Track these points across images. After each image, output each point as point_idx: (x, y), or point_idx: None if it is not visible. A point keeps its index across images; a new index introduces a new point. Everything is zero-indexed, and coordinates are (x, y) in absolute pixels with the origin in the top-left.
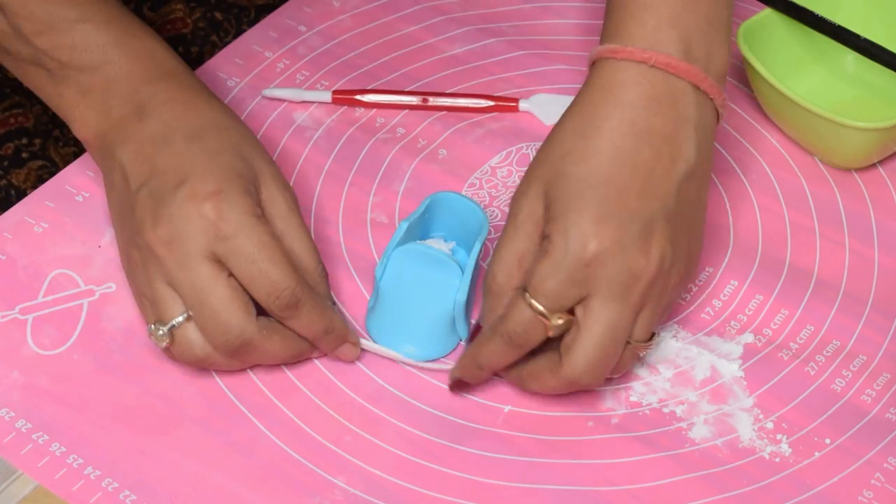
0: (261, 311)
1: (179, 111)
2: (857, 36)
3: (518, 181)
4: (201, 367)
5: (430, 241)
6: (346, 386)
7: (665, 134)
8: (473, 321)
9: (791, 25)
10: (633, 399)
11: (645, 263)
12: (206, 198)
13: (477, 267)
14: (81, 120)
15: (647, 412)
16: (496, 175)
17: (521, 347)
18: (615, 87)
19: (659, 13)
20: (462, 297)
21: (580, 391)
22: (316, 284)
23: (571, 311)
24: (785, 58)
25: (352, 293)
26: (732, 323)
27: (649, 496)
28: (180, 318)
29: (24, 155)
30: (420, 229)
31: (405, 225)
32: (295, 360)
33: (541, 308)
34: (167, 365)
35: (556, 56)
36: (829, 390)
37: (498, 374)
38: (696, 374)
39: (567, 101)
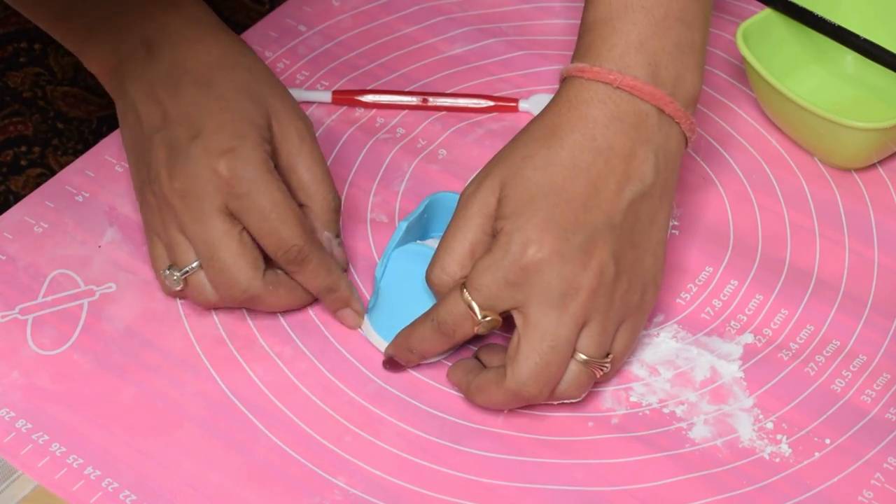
0: (270, 262)
1: (188, 49)
2: (857, 36)
3: None
4: (212, 308)
5: (430, 241)
6: (346, 386)
7: (624, 153)
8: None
9: (791, 25)
10: (633, 399)
11: (583, 274)
12: (219, 155)
13: None
14: (92, 55)
15: (647, 412)
16: None
17: (450, 337)
18: (581, 103)
19: (628, 37)
20: None
21: (528, 406)
22: (324, 214)
23: (509, 316)
24: (785, 58)
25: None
26: (732, 323)
27: (649, 496)
28: (194, 265)
29: (23, 162)
30: (420, 229)
31: (404, 225)
32: (303, 307)
33: (472, 302)
34: (167, 365)
35: (556, 56)
36: (829, 390)
37: (452, 381)
38: (695, 375)
39: None
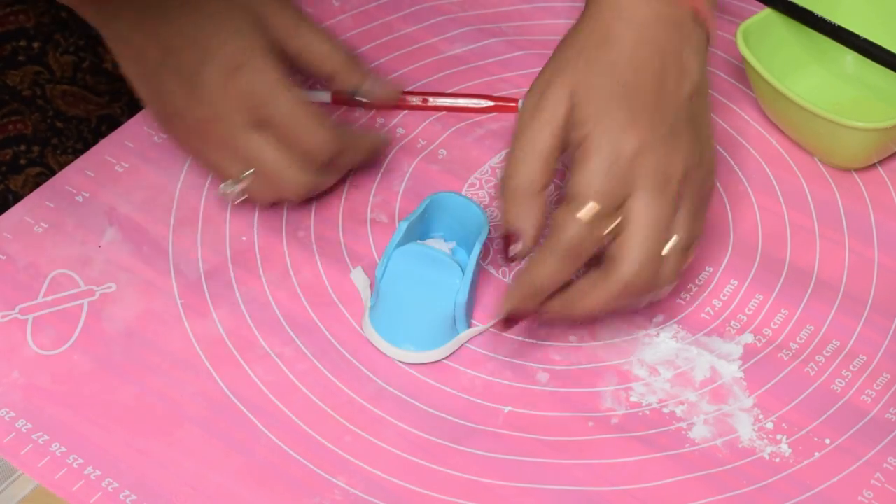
0: None
1: None
2: (857, 36)
3: None
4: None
5: (430, 241)
6: (346, 386)
7: (674, 52)
8: (474, 322)
9: (791, 25)
10: (633, 399)
11: (675, 160)
12: (232, 73)
13: (477, 267)
14: None
15: (647, 412)
16: (496, 175)
17: (577, 259)
18: (624, 9)
19: None
20: (462, 297)
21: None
22: (354, 68)
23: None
24: (785, 58)
25: (352, 293)
26: (732, 323)
27: (649, 496)
28: (247, 174)
29: (23, 161)
30: (420, 229)
31: (405, 225)
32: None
33: (592, 212)
34: (167, 365)
35: None
36: (829, 390)
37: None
38: (695, 375)
39: None
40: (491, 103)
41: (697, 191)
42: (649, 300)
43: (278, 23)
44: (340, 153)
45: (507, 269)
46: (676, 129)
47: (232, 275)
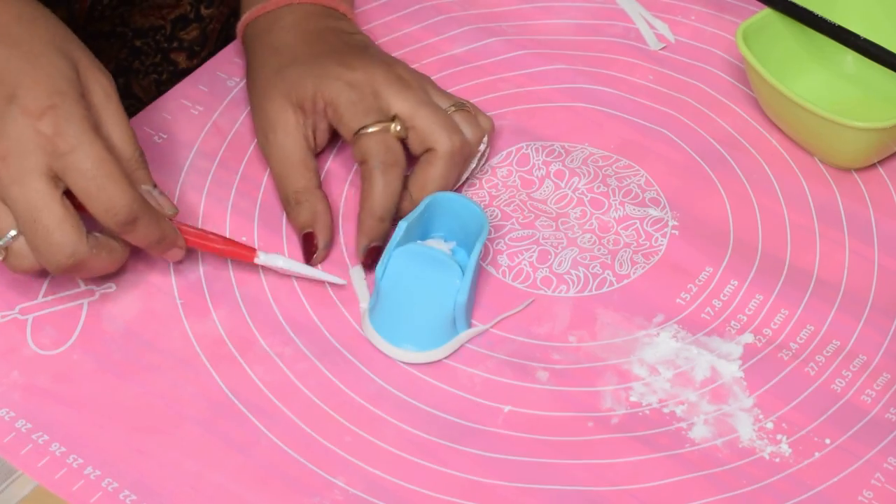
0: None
1: None
2: (857, 36)
3: (518, 181)
4: (29, 273)
5: (430, 242)
6: (346, 386)
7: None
8: (474, 322)
9: (791, 25)
10: (633, 399)
11: (378, 70)
12: (41, 114)
13: (477, 267)
14: None
15: (647, 412)
16: (496, 175)
17: (396, 167)
18: (289, 24)
19: None
20: (462, 297)
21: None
22: (134, 171)
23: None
24: (785, 58)
25: (352, 293)
26: (732, 323)
27: (649, 496)
28: (12, 234)
29: None
30: (420, 229)
31: (404, 225)
32: (117, 269)
33: (376, 127)
34: (167, 365)
35: (556, 56)
36: (829, 390)
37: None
38: (695, 375)
39: None
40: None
41: (420, 77)
42: (474, 165)
43: (89, 88)
44: (139, 222)
45: (507, 270)
46: (362, 54)
47: (232, 275)
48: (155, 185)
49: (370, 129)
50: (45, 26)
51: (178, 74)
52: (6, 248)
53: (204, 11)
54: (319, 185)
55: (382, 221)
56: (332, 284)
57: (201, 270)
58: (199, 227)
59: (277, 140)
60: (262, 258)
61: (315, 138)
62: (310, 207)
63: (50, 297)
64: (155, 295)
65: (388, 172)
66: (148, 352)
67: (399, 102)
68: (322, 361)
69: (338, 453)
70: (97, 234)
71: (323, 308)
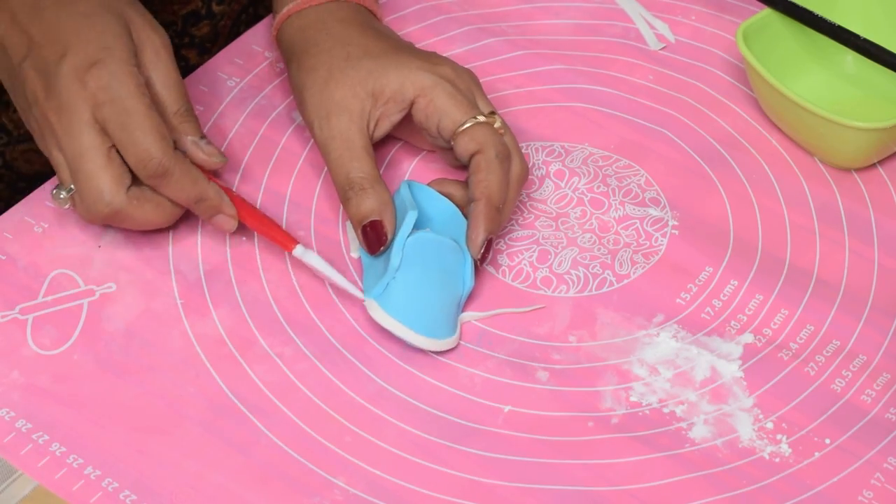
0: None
1: None
2: (857, 36)
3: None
4: (97, 223)
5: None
6: (346, 386)
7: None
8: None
9: (791, 25)
10: (633, 399)
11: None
12: (87, 68)
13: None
14: None
15: (647, 412)
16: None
17: (507, 158)
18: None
19: None
20: (471, 283)
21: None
22: (180, 123)
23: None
24: (785, 58)
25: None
26: (732, 323)
27: (649, 496)
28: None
29: None
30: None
31: (415, 215)
32: (171, 223)
33: (493, 123)
34: (167, 365)
35: (556, 56)
36: (829, 390)
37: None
38: (695, 375)
39: None
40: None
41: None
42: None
43: (141, 45)
44: (171, 175)
45: (507, 270)
46: (430, 54)
47: (232, 275)
48: (203, 136)
49: (480, 119)
50: None
51: (189, 71)
52: (72, 198)
53: (215, 8)
54: (380, 175)
55: (500, 212)
56: (333, 285)
57: (201, 270)
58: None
59: (342, 125)
60: (299, 251)
61: (375, 130)
62: (376, 196)
63: (50, 297)
64: (155, 295)
65: (505, 163)
66: (148, 352)
67: (484, 102)
68: (322, 361)
69: (338, 453)
70: (143, 187)
71: (323, 308)
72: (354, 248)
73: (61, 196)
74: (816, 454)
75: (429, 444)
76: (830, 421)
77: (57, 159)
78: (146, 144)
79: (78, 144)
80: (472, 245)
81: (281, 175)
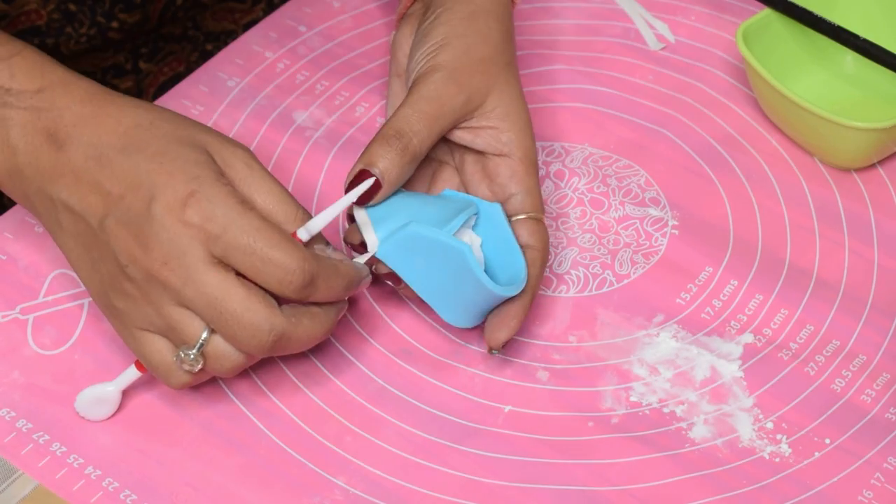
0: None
1: (95, 127)
2: (857, 36)
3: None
4: (238, 372)
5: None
6: (346, 386)
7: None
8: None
9: (790, 25)
10: (633, 399)
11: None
12: (183, 204)
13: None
14: None
15: (647, 412)
16: None
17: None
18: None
19: None
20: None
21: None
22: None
23: None
24: (785, 58)
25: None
26: (732, 323)
27: (649, 496)
28: (205, 335)
29: None
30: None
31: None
32: (331, 332)
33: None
34: None
35: (556, 56)
36: (829, 390)
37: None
38: (695, 375)
39: None
40: None
41: None
42: None
43: (227, 165)
44: (317, 279)
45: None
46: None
47: None
48: (328, 243)
49: (539, 217)
50: (163, 126)
51: None
52: (203, 354)
53: None
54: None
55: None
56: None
57: None
58: None
59: (450, 92)
60: (303, 235)
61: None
62: (399, 167)
63: (50, 297)
64: None
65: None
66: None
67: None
68: (322, 362)
69: (338, 453)
70: (291, 304)
71: None
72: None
73: (192, 356)
74: (816, 454)
75: (429, 444)
76: (830, 421)
77: (175, 316)
78: (281, 259)
79: (205, 290)
80: (506, 331)
81: (281, 175)
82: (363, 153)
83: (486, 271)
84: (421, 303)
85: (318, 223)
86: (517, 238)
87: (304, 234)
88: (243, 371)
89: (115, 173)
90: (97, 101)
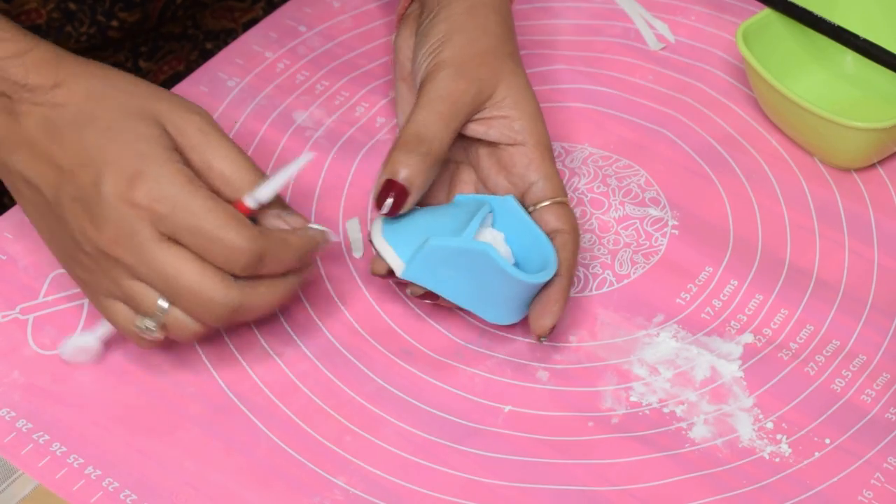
0: None
1: (49, 98)
2: (857, 36)
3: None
4: (199, 339)
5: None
6: (346, 386)
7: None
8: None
9: (791, 25)
10: (633, 399)
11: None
12: (131, 184)
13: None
14: None
15: (647, 412)
16: None
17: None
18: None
19: None
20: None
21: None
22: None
23: None
24: (785, 58)
25: (352, 292)
26: (732, 323)
27: (649, 496)
28: (164, 306)
29: None
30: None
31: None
32: (292, 298)
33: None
34: (167, 365)
35: (556, 56)
36: (829, 390)
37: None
38: (695, 375)
39: None
40: None
41: None
42: None
43: (181, 134)
44: (265, 256)
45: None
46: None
47: None
48: (285, 207)
49: (565, 200)
50: (116, 97)
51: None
52: (164, 325)
53: None
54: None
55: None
56: (333, 285)
57: None
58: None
59: (461, 87)
60: (249, 202)
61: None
62: (424, 172)
63: (50, 297)
64: None
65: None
66: (148, 351)
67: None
68: (322, 361)
69: (338, 453)
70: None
71: (323, 308)
72: (356, 249)
73: (151, 325)
74: (816, 454)
75: (429, 444)
76: (830, 421)
77: (132, 289)
78: (228, 239)
79: (160, 266)
80: (550, 317)
81: None
82: (386, 162)
83: (516, 263)
84: (461, 308)
85: (265, 191)
86: (545, 225)
87: (251, 201)
88: (243, 371)
89: (65, 147)
90: (51, 66)
